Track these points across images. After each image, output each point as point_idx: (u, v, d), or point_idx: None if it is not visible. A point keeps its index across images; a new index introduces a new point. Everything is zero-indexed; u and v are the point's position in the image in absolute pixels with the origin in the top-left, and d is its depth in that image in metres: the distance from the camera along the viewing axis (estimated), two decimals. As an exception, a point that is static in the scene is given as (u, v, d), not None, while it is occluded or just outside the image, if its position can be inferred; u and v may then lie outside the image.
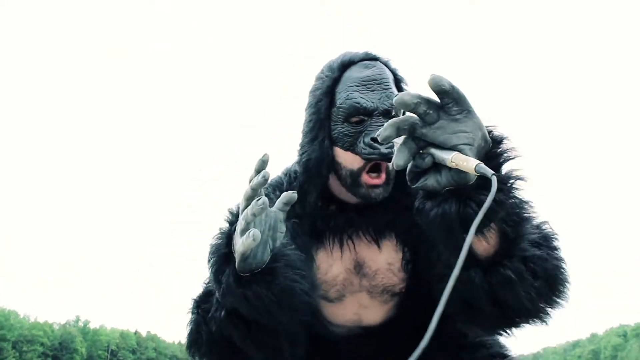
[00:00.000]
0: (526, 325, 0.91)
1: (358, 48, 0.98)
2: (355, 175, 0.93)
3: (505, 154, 0.72)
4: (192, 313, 1.00)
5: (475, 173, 0.64)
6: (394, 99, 0.66)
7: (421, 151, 0.68)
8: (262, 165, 0.80)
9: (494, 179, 0.63)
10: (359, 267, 1.01)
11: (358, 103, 0.92)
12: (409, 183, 0.71)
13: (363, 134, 0.92)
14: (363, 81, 0.93)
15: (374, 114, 0.92)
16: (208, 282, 0.99)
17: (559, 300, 0.87)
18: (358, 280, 1.02)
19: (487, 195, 0.62)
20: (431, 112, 0.66)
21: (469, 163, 0.64)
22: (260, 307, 0.85)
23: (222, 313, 0.91)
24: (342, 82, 0.95)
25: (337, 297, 1.03)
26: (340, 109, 0.93)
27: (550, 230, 0.87)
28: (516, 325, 0.90)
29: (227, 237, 0.87)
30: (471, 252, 0.81)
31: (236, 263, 0.83)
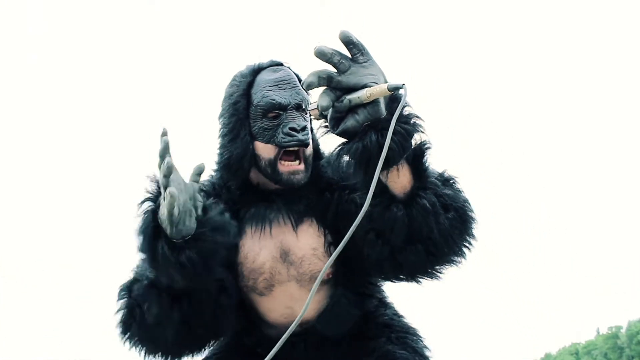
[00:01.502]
0: (447, 264, 1.01)
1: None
2: (273, 163, 1.05)
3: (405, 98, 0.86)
4: (123, 297, 1.04)
5: (388, 91, 0.78)
6: (314, 49, 0.80)
7: (338, 99, 0.81)
8: (165, 147, 0.90)
9: (405, 87, 0.79)
10: (284, 255, 1.08)
11: (274, 100, 1.05)
12: (330, 130, 0.84)
13: (281, 126, 1.04)
14: (275, 82, 1.06)
15: (288, 108, 1.05)
16: (136, 269, 1.04)
17: (470, 234, 0.99)
18: (285, 270, 1.08)
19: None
20: (344, 61, 0.80)
21: (381, 87, 0.79)
22: (193, 272, 0.93)
23: (148, 288, 0.99)
24: (255, 85, 1.07)
25: (266, 287, 1.08)
26: (258, 106, 1.05)
27: (450, 175, 1.01)
28: (438, 262, 1.00)
29: (152, 212, 0.94)
30: (390, 192, 0.94)
31: (167, 231, 0.91)
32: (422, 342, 1.14)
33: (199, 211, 0.94)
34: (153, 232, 0.93)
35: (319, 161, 1.12)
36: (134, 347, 1.05)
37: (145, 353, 1.05)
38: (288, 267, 1.08)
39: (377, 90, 0.79)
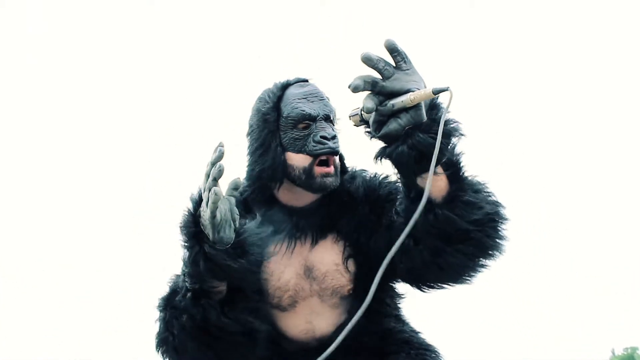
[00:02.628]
0: (489, 259, 1.03)
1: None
2: (308, 170, 1.08)
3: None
4: (161, 311, 1.07)
5: (433, 95, 0.82)
6: (361, 55, 0.84)
7: (382, 104, 0.85)
8: (219, 156, 0.93)
9: (451, 89, 0.81)
10: (308, 271, 1.11)
11: (304, 110, 1.09)
12: (374, 133, 0.88)
13: (311, 136, 1.08)
14: (304, 95, 1.11)
15: (317, 119, 1.09)
16: (174, 281, 1.08)
17: (504, 230, 1.02)
18: (308, 285, 1.11)
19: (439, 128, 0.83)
20: (388, 68, 0.84)
21: (425, 91, 0.82)
22: (234, 276, 0.98)
23: (193, 299, 1.02)
24: (285, 99, 1.11)
25: (290, 304, 1.12)
26: (288, 118, 1.10)
27: (480, 179, 1.04)
28: (480, 259, 1.02)
29: (192, 216, 0.98)
30: (428, 200, 0.95)
31: (210, 235, 0.95)
32: (441, 359, 1.17)
33: (237, 224, 0.98)
34: (196, 238, 0.97)
35: (342, 175, 1.15)
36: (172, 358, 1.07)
37: None
38: (311, 282, 1.11)
39: (421, 94, 0.83)
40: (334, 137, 1.08)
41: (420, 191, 0.93)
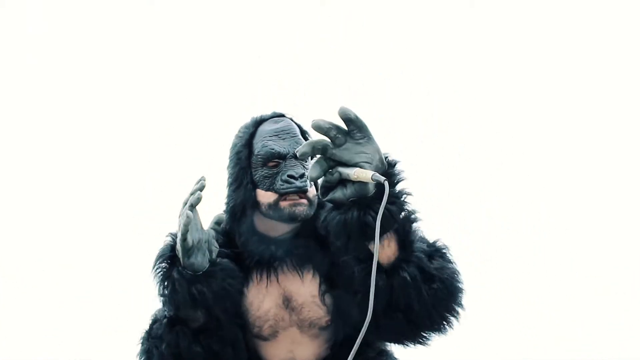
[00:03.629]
0: (431, 334, 1.04)
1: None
2: (274, 205, 1.10)
3: (398, 175, 0.92)
4: (142, 343, 1.12)
5: (372, 180, 0.82)
6: (311, 122, 0.84)
7: (330, 170, 0.85)
8: (200, 187, 0.99)
9: (387, 183, 0.81)
10: (287, 302, 1.14)
11: (273, 149, 1.11)
12: (320, 196, 0.89)
13: (280, 174, 1.10)
14: (275, 132, 1.12)
15: (287, 157, 1.11)
16: (155, 314, 1.12)
17: (457, 304, 1.02)
18: (288, 316, 1.14)
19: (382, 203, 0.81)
20: (340, 136, 0.84)
21: (367, 174, 0.82)
22: (202, 304, 1.01)
23: (168, 326, 1.05)
24: (257, 135, 1.13)
25: (270, 333, 1.14)
26: (258, 156, 1.12)
27: (443, 244, 1.05)
28: (422, 331, 1.03)
29: (171, 247, 1.04)
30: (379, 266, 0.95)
31: (181, 261, 0.99)
32: None
33: (214, 255, 1.02)
34: (170, 261, 1.02)
35: (321, 209, 1.16)
36: None
37: None
38: (290, 313, 1.14)
39: (362, 175, 0.83)
40: (302, 175, 1.09)
41: (369, 254, 0.95)
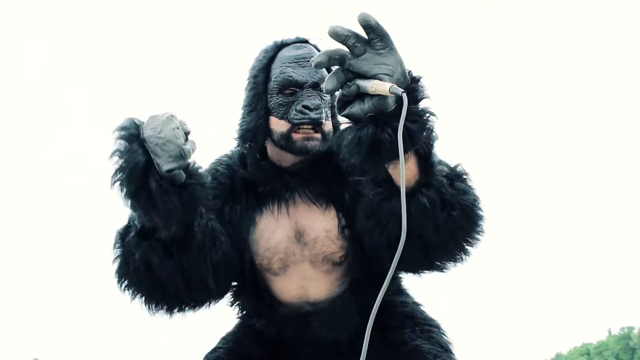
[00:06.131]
0: (446, 260, 0.99)
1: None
2: (286, 135, 1.04)
3: (422, 92, 0.83)
4: (118, 247, 1.02)
5: (390, 93, 0.75)
6: (328, 29, 0.77)
7: (348, 82, 0.78)
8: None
9: (405, 96, 0.74)
10: (299, 236, 1.08)
11: (290, 76, 1.05)
12: (337, 112, 0.82)
13: (295, 103, 1.04)
14: (295, 59, 1.06)
15: (305, 86, 1.05)
16: (130, 214, 1.02)
17: (477, 231, 0.97)
18: (300, 250, 1.08)
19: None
20: (359, 45, 0.77)
21: (384, 86, 0.75)
22: (176, 213, 0.93)
23: (139, 238, 0.97)
24: (276, 60, 1.07)
25: (280, 267, 1.08)
26: (275, 82, 1.06)
27: (463, 169, 0.98)
28: (436, 258, 0.98)
29: (141, 145, 0.91)
30: (394, 183, 0.91)
31: (167, 163, 0.89)
32: (446, 336, 1.13)
33: (188, 160, 0.93)
34: (144, 166, 0.91)
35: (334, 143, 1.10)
36: (132, 297, 1.03)
37: (145, 304, 1.04)
38: (302, 247, 1.08)
39: (380, 87, 0.76)
40: (317, 106, 1.03)
41: (387, 177, 0.90)
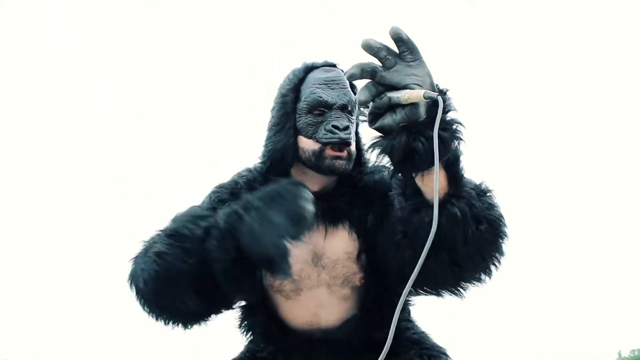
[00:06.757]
0: (471, 279, 0.99)
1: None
2: (318, 152, 1.06)
3: (450, 103, 0.85)
4: (134, 260, 1.03)
5: (424, 99, 0.76)
6: (361, 42, 0.78)
7: (379, 95, 0.79)
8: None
9: (440, 99, 0.76)
10: (317, 259, 1.08)
11: (320, 97, 1.07)
12: (368, 125, 0.82)
13: (324, 124, 1.06)
14: (325, 81, 1.09)
15: (333, 107, 1.07)
16: (146, 242, 1.04)
17: (500, 250, 0.96)
18: (316, 274, 1.08)
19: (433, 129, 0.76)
20: (390, 57, 0.78)
21: (418, 93, 0.76)
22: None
23: (164, 234, 1.00)
24: (306, 82, 1.10)
25: (292, 290, 1.08)
26: (305, 102, 1.08)
27: (487, 186, 0.98)
28: (462, 275, 0.97)
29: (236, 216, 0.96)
30: (423, 195, 0.91)
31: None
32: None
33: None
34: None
35: (360, 167, 1.13)
36: (142, 307, 1.04)
37: (153, 316, 1.05)
38: (319, 271, 1.08)
39: (414, 95, 0.77)
40: (346, 127, 1.05)
41: (417, 190, 0.90)
